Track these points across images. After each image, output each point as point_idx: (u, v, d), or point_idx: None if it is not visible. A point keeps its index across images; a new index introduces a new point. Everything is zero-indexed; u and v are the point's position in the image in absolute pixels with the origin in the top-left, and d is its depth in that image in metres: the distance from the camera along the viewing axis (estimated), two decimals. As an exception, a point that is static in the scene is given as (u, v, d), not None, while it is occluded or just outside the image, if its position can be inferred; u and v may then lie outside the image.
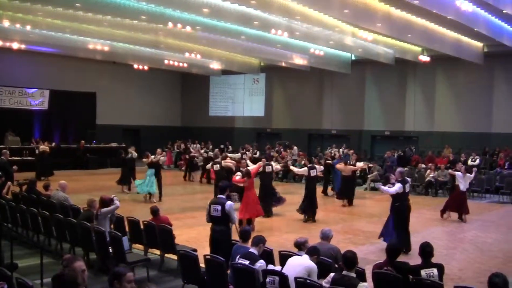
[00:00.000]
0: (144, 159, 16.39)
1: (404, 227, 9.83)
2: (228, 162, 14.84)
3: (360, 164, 17.55)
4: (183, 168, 23.93)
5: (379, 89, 27.03)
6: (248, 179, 11.53)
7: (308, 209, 12.93)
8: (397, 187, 9.62)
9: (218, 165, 14.62)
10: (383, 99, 26.88)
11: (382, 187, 9.68)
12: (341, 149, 24.44)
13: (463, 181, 13.32)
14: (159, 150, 16.75)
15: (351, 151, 23.03)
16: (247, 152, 23.86)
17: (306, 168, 13.18)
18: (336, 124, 28.61)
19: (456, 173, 13.50)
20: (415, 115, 25.75)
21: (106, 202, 8.11)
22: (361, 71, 27.20)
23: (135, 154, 18.25)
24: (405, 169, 21.02)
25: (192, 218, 12.92)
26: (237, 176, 11.92)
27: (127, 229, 8.86)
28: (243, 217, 11.38)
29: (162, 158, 16.17)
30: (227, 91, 33.44)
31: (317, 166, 13.74)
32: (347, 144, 26.40)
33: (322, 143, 28.61)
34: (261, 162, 13.57)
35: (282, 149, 25.27)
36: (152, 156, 16.01)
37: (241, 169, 12.31)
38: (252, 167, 12.82)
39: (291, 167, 15.28)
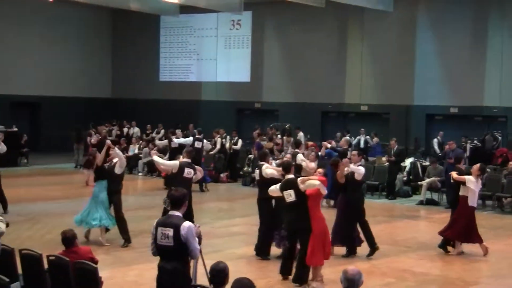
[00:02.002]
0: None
1: None
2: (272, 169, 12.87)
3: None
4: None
5: (440, 37, 27.00)
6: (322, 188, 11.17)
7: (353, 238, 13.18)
8: None
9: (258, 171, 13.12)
10: (447, 54, 26.83)
11: None
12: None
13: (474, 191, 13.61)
14: (108, 144, 14.34)
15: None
16: (217, 139, 24.27)
17: None
18: (368, 96, 28.72)
19: (467, 178, 13.45)
20: (502, 80, 25.77)
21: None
22: (411, 8, 27.22)
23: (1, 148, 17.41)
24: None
25: (129, 250, 13.09)
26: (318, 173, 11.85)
27: (19, 269, 8.90)
28: (316, 263, 10.98)
29: (119, 160, 13.88)
30: (189, 41, 33.57)
31: None
32: (384, 128, 26.22)
33: (345, 126, 28.74)
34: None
35: (277, 136, 25.13)
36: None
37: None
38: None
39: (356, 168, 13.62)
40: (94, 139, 24.33)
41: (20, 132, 28.09)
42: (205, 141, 23.05)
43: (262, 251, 12.70)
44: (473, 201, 13.51)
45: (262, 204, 12.72)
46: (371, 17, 27.80)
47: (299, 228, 10.85)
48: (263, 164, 12.68)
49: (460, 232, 13.45)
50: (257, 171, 13.06)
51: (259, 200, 12.80)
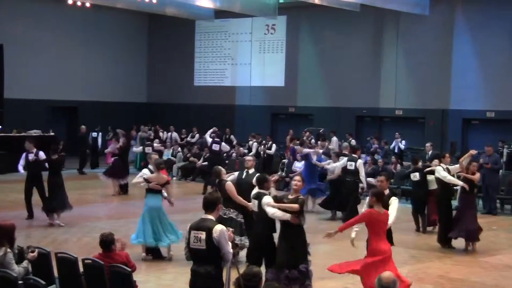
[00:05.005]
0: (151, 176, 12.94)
1: None
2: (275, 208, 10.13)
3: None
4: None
5: (477, 41, 26.77)
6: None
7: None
8: None
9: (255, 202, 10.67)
10: (484, 58, 26.59)
11: None
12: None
13: None
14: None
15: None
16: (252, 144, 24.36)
17: None
18: (403, 100, 28.60)
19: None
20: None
21: (9, 232, 8.18)
22: (448, 11, 27.05)
23: (41, 155, 16.34)
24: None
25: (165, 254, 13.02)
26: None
27: (55, 273, 8.93)
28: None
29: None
30: (223, 46, 33.71)
31: None
32: (420, 132, 26.10)
33: (380, 130, 28.82)
34: None
35: (312, 140, 25.05)
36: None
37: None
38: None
39: None
40: (122, 141, 24.05)
41: (57, 137, 28.28)
42: (223, 143, 23.09)
43: None
44: None
45: (266, 240, 10.42)
46: (407, 21, 27.66)
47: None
48: (263, 194, 10.13)
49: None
50: (254, 201, 10.42)
51: (261, 235, 10.44)
